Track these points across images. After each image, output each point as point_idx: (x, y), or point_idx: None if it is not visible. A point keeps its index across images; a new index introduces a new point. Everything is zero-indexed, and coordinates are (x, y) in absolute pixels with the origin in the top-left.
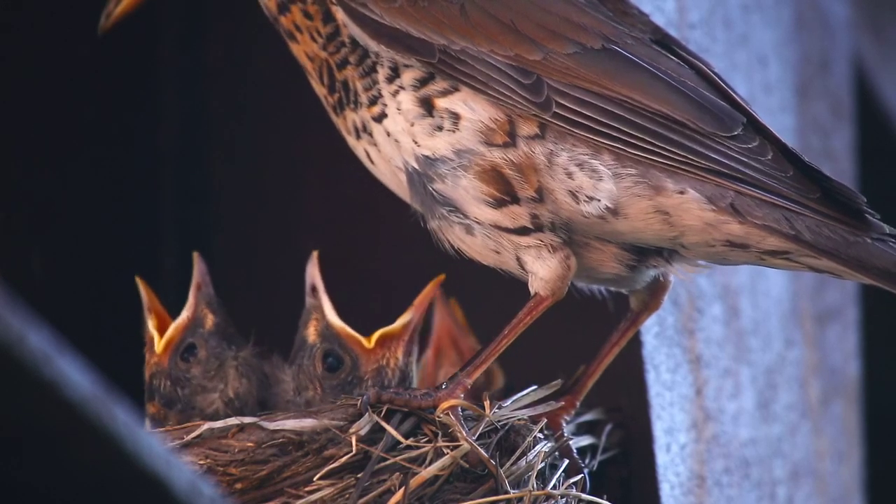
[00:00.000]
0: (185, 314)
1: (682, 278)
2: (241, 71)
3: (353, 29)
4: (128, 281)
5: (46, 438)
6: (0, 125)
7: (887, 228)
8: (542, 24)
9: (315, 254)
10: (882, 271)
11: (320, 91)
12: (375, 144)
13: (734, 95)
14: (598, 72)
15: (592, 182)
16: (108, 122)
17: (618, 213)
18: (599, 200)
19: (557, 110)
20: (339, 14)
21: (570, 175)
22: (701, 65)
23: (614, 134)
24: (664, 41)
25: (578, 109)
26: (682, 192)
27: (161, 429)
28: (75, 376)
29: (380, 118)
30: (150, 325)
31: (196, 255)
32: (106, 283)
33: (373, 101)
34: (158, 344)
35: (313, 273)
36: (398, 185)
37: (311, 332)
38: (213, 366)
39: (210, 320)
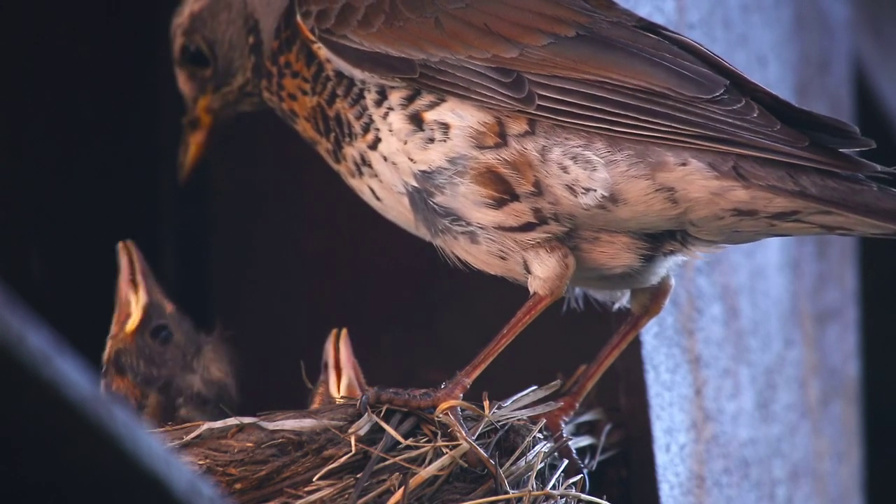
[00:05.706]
0: (143, 297)
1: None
2: None
3: (337, 62)
4: None
5: (46, 438)
6: (0, 125)
7: (878, 167)
8: (516, 21)
9: (334, 332)
10: (891, 212)
11: (324, 146)
12: (376, 175)
13: (719, 60)
14: (573, 58)
15: (587, 173)
16: (108, 122)
17: (616, 199)
18: (596, 191)
19: (541, 102)
20: (323, 52)
21: (564, 169)
22: (685, 39)
23: (598, 116)
24: (648, 26)
25: (560, 98)
26: (684, 164)
27: (155, 423)
28: (75, 376)
29: (375, 144)
30: (132, 298)
31: (129, 244)
32: (106, 283)
33: (366, 129)
34: (130, 323)
35: (328, 349)
36: (405, 216)
37: (317, 402)
38: (191, 349)
39: (169, 306)
